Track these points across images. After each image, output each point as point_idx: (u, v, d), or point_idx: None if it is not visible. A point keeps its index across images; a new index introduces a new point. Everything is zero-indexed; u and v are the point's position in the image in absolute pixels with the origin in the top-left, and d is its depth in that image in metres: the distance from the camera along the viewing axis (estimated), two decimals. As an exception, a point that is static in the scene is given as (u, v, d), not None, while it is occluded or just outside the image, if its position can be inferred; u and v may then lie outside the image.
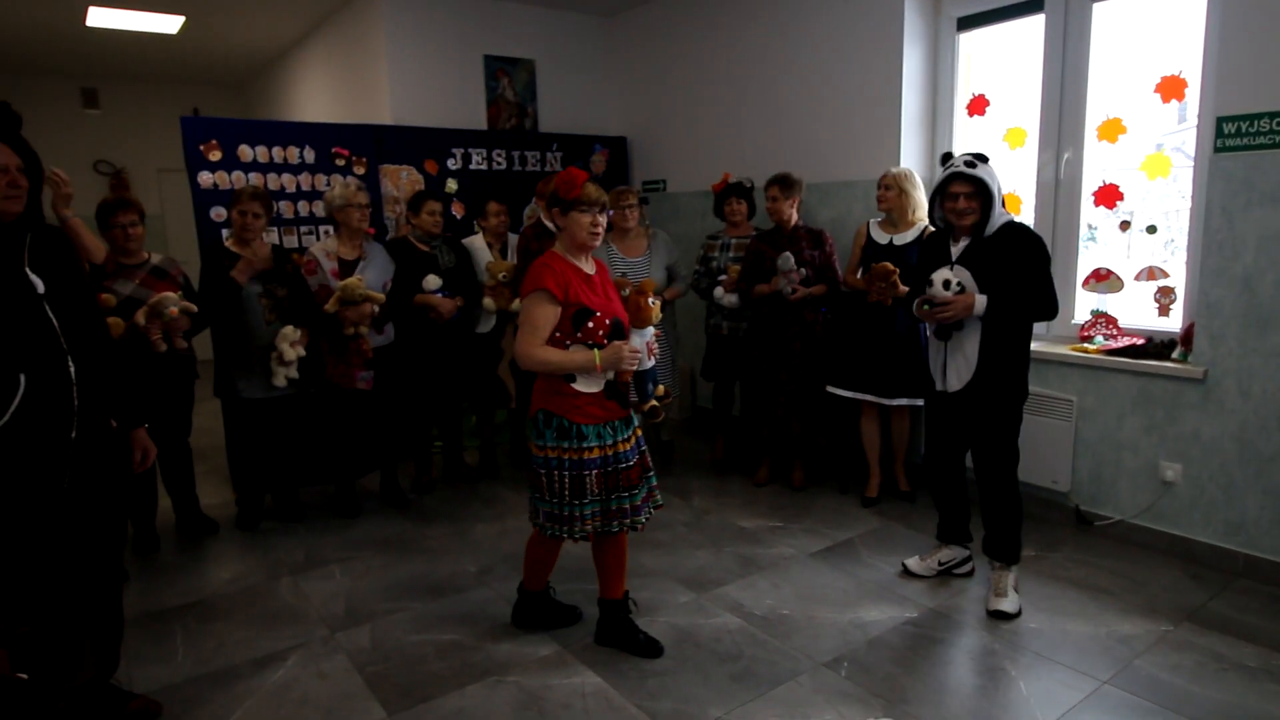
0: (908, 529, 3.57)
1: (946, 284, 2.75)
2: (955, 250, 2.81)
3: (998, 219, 2.72)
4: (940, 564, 3.12)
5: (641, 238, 4.11)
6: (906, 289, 3.56)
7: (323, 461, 3.92)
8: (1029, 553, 3.22)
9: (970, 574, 3.10)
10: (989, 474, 2.84)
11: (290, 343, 3.45)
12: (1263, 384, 2.93)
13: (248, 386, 3.50)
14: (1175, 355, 3.22)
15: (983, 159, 2.71)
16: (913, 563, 3.15)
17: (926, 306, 2.78)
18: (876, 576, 3.11)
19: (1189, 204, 3.23)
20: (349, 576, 3.22)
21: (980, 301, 2.71)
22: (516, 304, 4.12)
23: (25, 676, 1.95)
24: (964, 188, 2.69)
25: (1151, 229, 3.36)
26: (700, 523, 3.70)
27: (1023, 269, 2.67)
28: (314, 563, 3.36)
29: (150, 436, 2.28)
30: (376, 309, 3.58)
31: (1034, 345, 3.56)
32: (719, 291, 4.05)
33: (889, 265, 3.47)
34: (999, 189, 2.71)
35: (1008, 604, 2.80)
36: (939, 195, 2.77)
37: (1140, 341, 3.36)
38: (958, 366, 2.81)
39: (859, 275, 3.77)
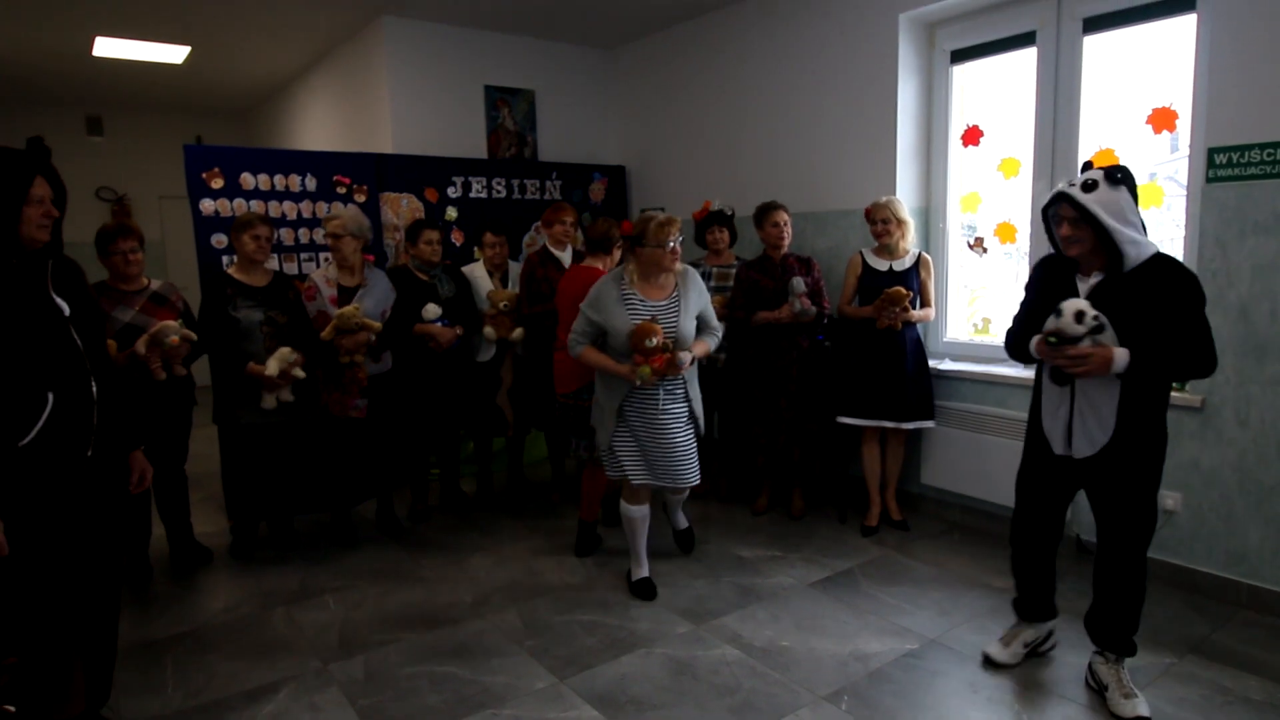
0: (908, 559, 3.54)
1: (1080, 316, 2.20)
2: (1084, 286, 2.32)
3: (1141, 251, 2.22)
4: (1025, 646, 2.66)
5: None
6: (917, 314, 3.66)
7: (318, 490, 3.89)
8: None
9: (1053, 648, 2.72)
10: (1123, 551, 2.37)
11: (283, 362, 3.39)
12: (1261, 413, 2.93)
13: (247, 413, 3.48)
14: (1173, 384, 3.21)
15: (1114, 177, 2.22)
16: (995, 651, 2.65)
17: (1053, 341, 2.24)
18: (876, 607, 3.08)
19: (1183, 233, 3.25)
20: (343, 606, 3.19)
21: (1121, 357, 2.19)
22: (518, 333, 4.14)
23: (13, 709, 1.93)
24: (1068, 212, 2.25)
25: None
26: (698, 552, 3.67)
27: (1171, 314, 2.19)
28: (308, 592, 3.32)
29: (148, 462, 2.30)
30: (373, 337, 3.58)
31: (1027, 371, 3.59)
32: None
33: (903, 290, 3.51)
34: (1127, 217, 2.21)
35: (1143, 705, 2.32)
36: (1046, 214, 2.35)
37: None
38: (1089, 430, 2.32)
39: (853, 304, 3.79)
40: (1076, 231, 2.26)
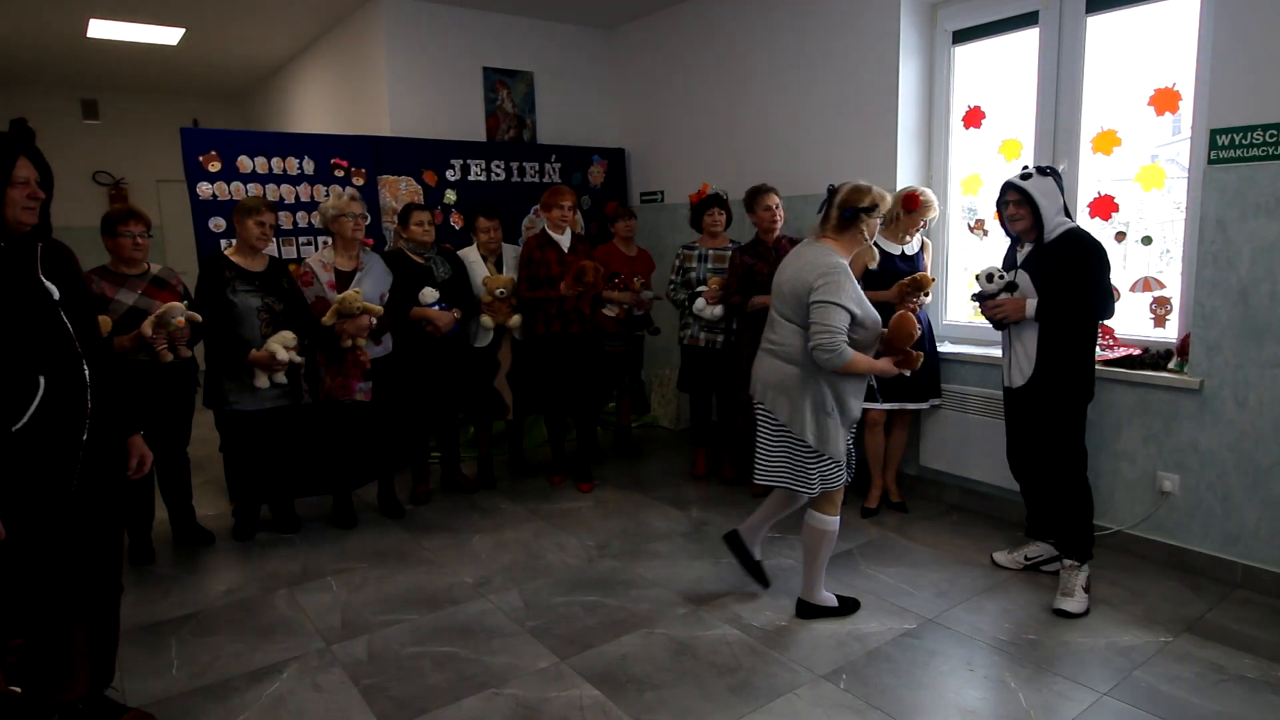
0: (906, 540, 3.56)
1: (990, 277, 2.99)
2: (1021, 254, 2.99)
3: (1055, 226, 2.87)
4: (1027, 559, 3.21)
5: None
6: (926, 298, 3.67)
7: (319, 472, 3.90)
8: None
9: (1056, 571, 3.11)
10: (1054, 472, 2.97)
11: (284, 345, 3.42)
12: (1259, 394, 2.94)
13: (239, 399, 3.49)
14: (1172, 365, 3.22)
15: (1044, 171, 2.90)
16: (1000, 556, 3.28)
17: (975, 297, 3.06)
18: (875, 588, 3.10)
19: (1184, 215, 3.25)
20: (345, 588, 3.21)
21: (1031, 304, 2.88)
22: (515, 319, 4.13)
23: (18, 690, 1.94)
24: (1012, 195, 2.93)
25: (1147, 240, 3.38)
26: (698, 533, 3.69)
27: (1076, 272, 2.80)
28: (310, 574, 3.34)
29: (150, 445, 2.30)
30: (374, 321, 3.58)
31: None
32: (700, 303, 4.07)
33: (931, 277, 3.53)
34: (1053, 199, 2.87)
35: (1072, 604, 2.86)
36: (998, 203, 3.02)
37: (1137, 352, 3.36)
38: (1019, 363, 2.99)
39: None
40: (1019, 210, 2.92)
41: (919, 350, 2.70)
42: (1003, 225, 3.06)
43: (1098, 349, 3.46)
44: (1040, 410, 2.96)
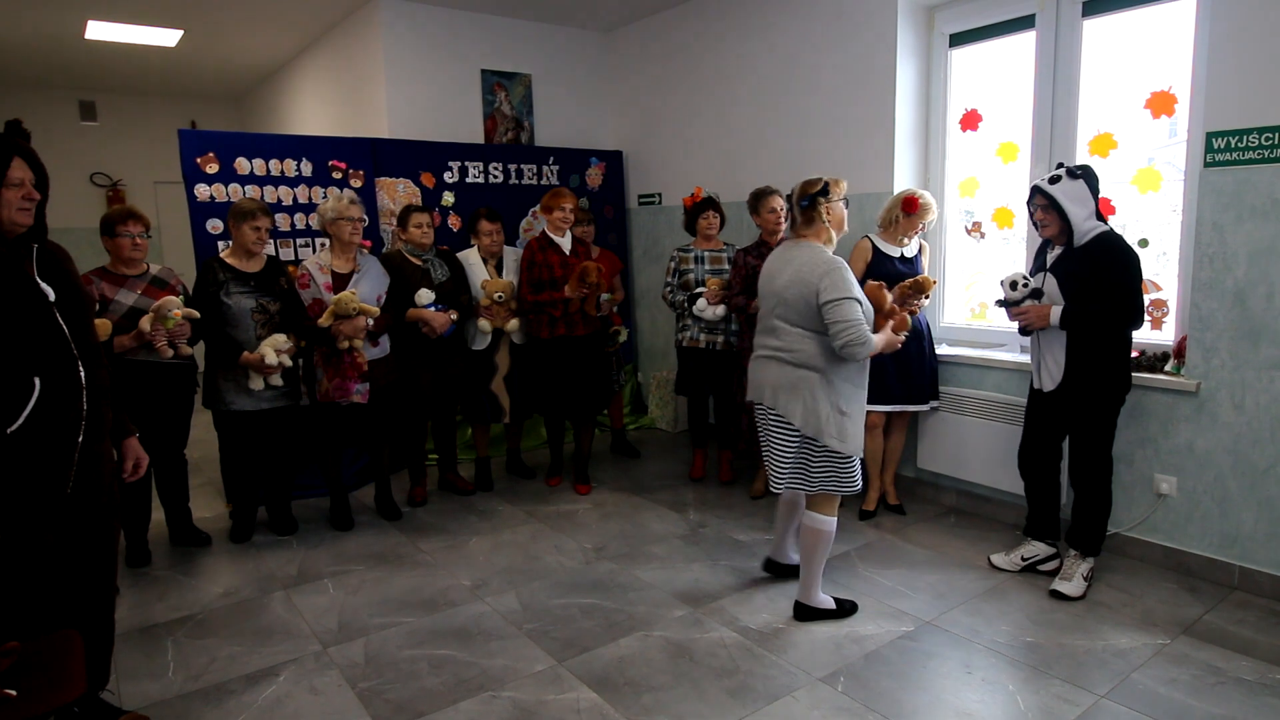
0: (904, 542, 3.56)
1: (1015, 284, 2.97)
2: (1051, 257, 2.97)
3: (1085, 231, 2.83)
4: (1024, 559, 3.21)
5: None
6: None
7: (317, 474, 3.89)
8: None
9: (1056, 572, 3.10)
10: (1080, 473, 3.00)
11: (276, 349, 3.43)
12: (1255, 397, 2.94)
13: (236, 399, 3.49)
14: (1168, 368, 3.23)
15: (1075, 173, 2.83)
16: (998, 558, 3.27)
17: (1000, 304, 3.05)
18: (873, 590, 3.10)
19: (1180, 217, 3.25)
20: (342, 590, 3.20)
21: (1055, 312, 2.86)
22: (513, 324, 4.12)
23: (13, 693, 1.93)
24: (1040, 201, 2.88)
25: (1144, 242, 3.38)
26: (696, 536, 3.69)
27: (1105, 279, 2.78)
28: (307, 577, 3.34)
29: (147, 446, 2.29)
30: (370, 322, 3.58)
31: (1023, 356, 3.60)
32: (702, 303, 4.07)
33: (931, 280, 3.53)
34: (1083, 203, 2.81)
35: (1069, 586, 2.96)
36: (1028, 204, 2.99)
37: (1134, 354, 3.36)
38: (1048, 368, 2.98)
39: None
40: (1046, 216, 2.89)
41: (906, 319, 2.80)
42: (1035, 227, 3.03)
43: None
44: (1071, 415, 2.96)
